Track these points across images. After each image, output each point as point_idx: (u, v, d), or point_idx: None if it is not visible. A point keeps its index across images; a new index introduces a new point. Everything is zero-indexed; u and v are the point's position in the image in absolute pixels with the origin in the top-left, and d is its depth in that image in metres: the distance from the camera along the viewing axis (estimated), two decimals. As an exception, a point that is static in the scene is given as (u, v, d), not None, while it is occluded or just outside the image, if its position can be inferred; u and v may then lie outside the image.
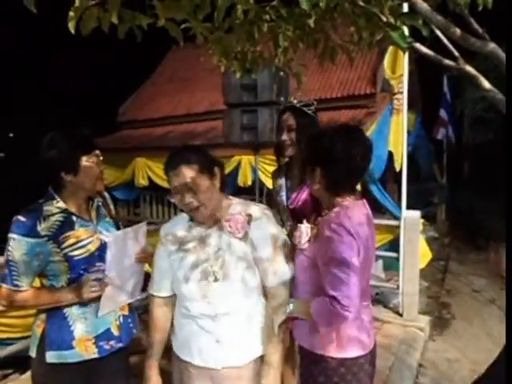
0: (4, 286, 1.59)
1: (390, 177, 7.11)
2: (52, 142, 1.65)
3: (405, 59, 4.08)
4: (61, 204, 1.67)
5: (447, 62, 1.47)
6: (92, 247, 1.69)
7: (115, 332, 1.75)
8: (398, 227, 4.35)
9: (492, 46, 1.40)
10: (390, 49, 4.19)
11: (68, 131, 1.71)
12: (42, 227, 1.58)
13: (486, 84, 1.40)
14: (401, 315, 4.26)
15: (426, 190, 9.10)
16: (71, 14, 1.04)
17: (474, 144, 15.03)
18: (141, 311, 4.81)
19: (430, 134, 9.79)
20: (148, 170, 7.26)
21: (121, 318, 1.80)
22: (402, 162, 4.33)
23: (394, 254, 4.51)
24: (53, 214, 1.63)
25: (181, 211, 1.68)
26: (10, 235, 1.58)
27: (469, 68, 1.46)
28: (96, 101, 12.57)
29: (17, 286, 1.59)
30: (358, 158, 1.51)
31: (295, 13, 1.64)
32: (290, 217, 2.13)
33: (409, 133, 7.35)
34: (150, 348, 1.71)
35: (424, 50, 1.58)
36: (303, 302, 1.57)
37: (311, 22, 1.73)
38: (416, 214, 4.33)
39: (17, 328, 3.12)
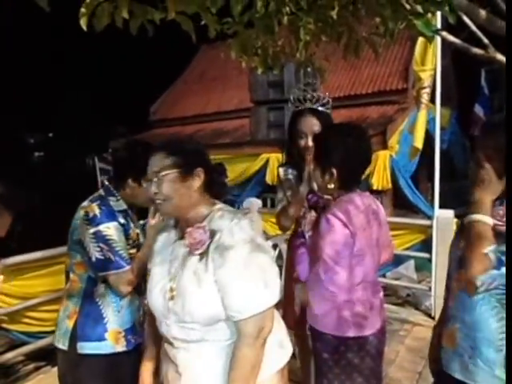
0: (128, 268, 1.63)
1: (424, 175, 6.90)
2: (136, 148, 1.71)
3: (437, 52, 3.90)
4: (121, 202, 1.72)
5: (475, 50, 1.38)
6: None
7: (138, 327, 1.78)
8: (430, 227, 4.19)
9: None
10: (420, 41, 4.00)
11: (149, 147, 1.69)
12: (119, 217, 1.66)
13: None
14: (433, 318, 4.10)
15: (462, 188, 8.77)
16: (83, 10, 1.03)
17: (513, 140, 14.37)
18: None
19: (468, 131, 9.43)
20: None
21: (142, 314, 1.82)
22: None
23: (426, 255, 4.35)
24: (120, 211, 1.69)
25: None
26: (99, 227, 1.60)
27: (500, 56, 1.36)
28: (129, 100, 12.82)
29: (131, 264, 1.66)
30: (368, 155, 1.63)
31: (316, 5, 1.59)
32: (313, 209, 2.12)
33: (443, 129, 7.12)
34: (145, 349, 1.61)
35: (451, 38, 1.49)
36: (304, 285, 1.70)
37: (333, 13, 1.68)
38: (449, 213, 4.16)
39: (48, 322, 3.20)
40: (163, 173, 1.30)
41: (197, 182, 1.34)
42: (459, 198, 8.14)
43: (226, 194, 1.52)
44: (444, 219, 4.08)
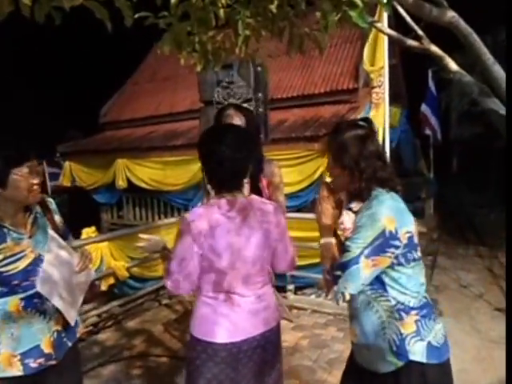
0: None
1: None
2: None
3: (385, 51, 3.96)
4: None
5: (410, 41, 1.35)
6: (25, 262, 1.60)
7: (46, 349, 1.66)
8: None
9: (451, 14, 1.28)
10: (369, 41, 4.06)
11: None
12: None
13: (453, 65, 1.29)
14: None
15: (413, 184, 9.03)
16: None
17: (461, 138, 15.01)
18: (122, 316, 4.75)
19: (418, 130, 9.72)
20: (127, 172, 7.12)
21: (55, 334, 1.70)
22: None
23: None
24: None
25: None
26: None
27: (434, 48, 1.34)
28: (78, 102, 12.33)
29: None
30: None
31: (254, -3, 1.52)
32: None
33: (393, 127, 7.29)
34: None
35: (387, 30, 1.46)
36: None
37: (273, 7, 1.61)
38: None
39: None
40: None
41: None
42: (409, 195, 8.40)
43: None
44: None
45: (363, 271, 1.51)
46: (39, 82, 13.11)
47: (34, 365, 1.62)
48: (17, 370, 1.59)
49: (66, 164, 8.10)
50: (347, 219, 1.61)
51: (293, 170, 5.58)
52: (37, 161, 1.62)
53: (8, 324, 1.59)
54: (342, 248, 1.60)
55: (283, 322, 4.48)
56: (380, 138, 4.45)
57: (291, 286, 5.12)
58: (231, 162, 1.60)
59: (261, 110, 3.90)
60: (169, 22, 1.42)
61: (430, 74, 9.46)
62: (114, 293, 5.28)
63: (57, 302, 1.65)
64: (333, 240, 1.65)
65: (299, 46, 1.87)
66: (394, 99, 4.37)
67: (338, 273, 1.54)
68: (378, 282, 1.56)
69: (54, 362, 1.68)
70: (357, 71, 6.25)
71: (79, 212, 7.96)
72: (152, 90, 9.18)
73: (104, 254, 5.15)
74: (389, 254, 1.51)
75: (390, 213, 1.52)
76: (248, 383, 1.70)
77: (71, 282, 1.72)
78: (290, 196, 5.22)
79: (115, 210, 8.24)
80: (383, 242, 1.50)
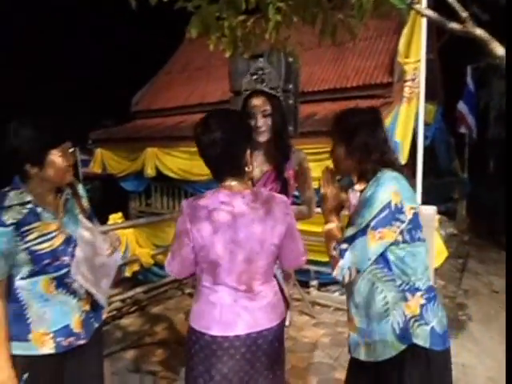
0: None
1: (408, 171, 6.83)
2: (18, 131, 1.56)
3: (422, 43, 3.78)
4: (25, 195, 1.60)
5: (452, 24, 1.26)
6: (56, 242, 1.63)
7: (75, 329, 1.70)
8: (412, 223, 4.10)
9: None
10: (405, 32, 3.90)
11: (36, 120, 1.61)
12: (6, 217, 1.51)
13: (500, 50, 1.19)
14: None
15: (446, 185, 8.75)
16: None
17: (499, 138, 14.43)
18: (146, 303, 4.81)
19: (453, 128, 9.39)
20: (156, 160, 7.17)
21: (84, 314, 1.75)
22: (407, 155, 4.06)
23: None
24: (17, 205, 1.55)
25: None
26: None
27: (479, 31, 1.24)
28: (111, 91, 12.53)
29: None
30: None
31: (286, -20, 1.46)
32: None
33: (428, 125, 7.04)
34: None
35: (427, 12, 1.37)
36: None
37: (306, -9, 1.54)
38: (431, 209, 4.07)
39: None
40: None
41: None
42: (442, 195, 8.14)
43: None
44: (426, 215, 3.98)
45: (370, 244, 1.52)
46: (76, 70, 13.40)
47: (64, 343, 1.66)
48: (49, 349, 1.63)
49: (98, 151, 8.23)
50: (352, 196, 1.67)
51: (321, 164, 5.43)
52: (70, 143, 1.66)
53: (40, 303, 1.62)
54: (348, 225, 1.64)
55: (304, 318, 4.45)
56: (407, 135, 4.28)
57: (314, 282, 5.05)
58: (219, 147, 1.52)
59: (291, 101, 3.82)
60: (197, 4, 1.38)
61: (468, 71, 9.11)
62: (139, 279, 5.37)
63: (81, 280, 1.69)
64: (336, 224, 1.69)
65: (332, 34, 1.80)
66: (429, 95, 4.20)
67: (345, 246, 1.55)
68: (383, 261, 1.56)
69: (82, 342, 1.72)
70: (392, 65, 6.05)
71: (109, 199, 8.12)
72: (184, 80, 9.21)
73: (129, 240, 5.22)
74: (394, 228, 1.52)
75: (395, 186, 1.55)
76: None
77: (94, 263, 1.76)
78: (317, 191, 5.12)
79: (143, 198, 8.34)
80: (389, 215, 1.51)
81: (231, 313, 1.58)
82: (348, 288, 1.72)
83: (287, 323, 2.45)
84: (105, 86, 12.84)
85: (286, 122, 2.28)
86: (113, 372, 3.29)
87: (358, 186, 1.69)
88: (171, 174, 7.13)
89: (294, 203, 2.39)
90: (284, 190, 2.22)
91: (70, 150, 1.67)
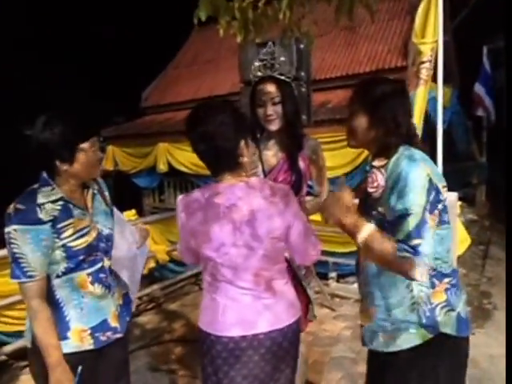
0: (16, 281, 1.51)
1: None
2: (46, 125, 1.52)
3: (439, 22, 3.60)
4: (57, 191, 1.58)
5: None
6: (90, 237, 1.63)
7: (112, 323, 1.71)
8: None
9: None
10: (420, 11, 3.71)
11: (64, 113, 1.57)
12: (42, 214, 1.51)
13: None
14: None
15: (464, 169, 8.52)
16: None
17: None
18: (163, 300, 4.77)
19: (469, 111, 9.14)
20: (168, 155, 7.13)
21: (118, 308, 1.77)
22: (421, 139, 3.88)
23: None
24: (50, 202, 1.54)
25: None
26: (10, 228, 1.49)
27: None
28: (120, 86, 12.50)
29: (31, 276, 1.51)
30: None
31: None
32: None
33: (444, 108, 6.84)
34: None
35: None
36: None
37: (321, -34, 1.43)
38: (453, 195, 3.90)
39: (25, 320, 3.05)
40: None
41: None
42: (460, 180, 7.94)
43: None
44: (448, 202, 3.84)
45: (432, 231, 1.39)
46: (87, 69, 13.40)
47: (103, 338, 1.67)
48: (88, 344, 1.63)
49: (109, 148, 8.22)
50: (380, 177, 1.49)
51: (336, 153, 5.35)
52: (97, 137, 1.64)
53: (77, 299, 1.63)
54: (387, 215, 1.45)
55: (324, 311, 4.36)
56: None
57: (333, 274, 4.96)
58: (208, 142, 1.45)
59: (303, 89, 3.71)
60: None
61: (484, 52, 8.84)
62: (155, 276, 5.34)
63: (125, 275, 1.74)
64: (373, 225, 1.46)
65: (349, 11, 1.69)
66: (444, 78, 4.04)
67: (417, 241, 1.34)
68: None
69: (119, 336, 1.73)
70: (406, 48, 5.87)
71: (122, 196, 8.11)
72: (193, 73, 9.13)
73: (145, 237, 5.19)
74: (437, 211, 1.41)
75: (428, 165, 1.43)
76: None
77: (131, 257, 1.80)
78: (332, 181, 5.02)
79: (157, 193, 8.31)
80: (435, 195, 1.40)
81: (251, 311, 1.51)
82: (363, 277, 1.62)
83: (311, 317, 2.36)
84: (114, 83, 12.81)
85: (298, 110, 2.17)
86: (132, 370, 3.25)
87: (377, 162, 1.53)
88: (183, 169, 7.08)
89: (309, 193, 2.31)
90: (298, 179, 2.13)
91: (100, 144, 1.66)
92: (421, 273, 1.35)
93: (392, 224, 1.41)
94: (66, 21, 13.05)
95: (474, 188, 8.82)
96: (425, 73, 3.88)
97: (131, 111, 10.14)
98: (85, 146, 1.56)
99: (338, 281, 5.00)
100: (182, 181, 7.66)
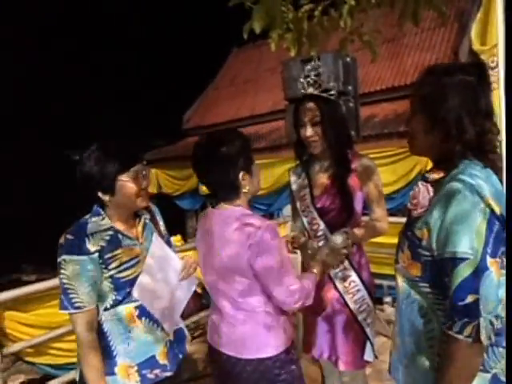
0: (64, 312, 1.48)
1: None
2: (88, 158, 1.52)
3: (499, 25, 3.34)
4: (106, 221, 1.55)
5: None
6: (138, 269, 1.57)
7: (161, 360, 1.62)
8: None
9: None
10: (479, 17, 3.48)
11: (101, 145, 1.55)
12: (90, 244, 1.48)
13: None
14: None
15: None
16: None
17: None
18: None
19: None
20: (210, 177, 7.09)
21: (168, 345, 1.67)
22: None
23: None
24: (99, 232, 1.52)
25: None
26: (60, 258, 1.47)
27: None
28: (161, 110, 12.79)
29: (79, 307, 1.47)
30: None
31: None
32: (319, 216, 1.97)
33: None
34: None
35: None
36: None
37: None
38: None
39: (75, 352, 2.97)
40: None
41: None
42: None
43: None
44: None
45: (497, 279, 1.04)
46: (127, 95, 13.85)
47: (150, 376, 1.59)
48: (134, 382, 1.57)
49: (152, 171, 8.31)
50: (423, 191, 1.20)
51: (385, 169, 5.10)
52: (141, 166, 1.58)
53: (124, 334, 1.57)
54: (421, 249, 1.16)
55: (381, 340, 4.05)
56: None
57: (388, 299, 4.65)
58: (204, 176, 1.55)
59: (351, 104, 3.53)
60: (256, -1, 1.13)
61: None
62: (202, 303, 5.21)
63: (153, 309, 1.61)
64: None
65: (414, 14, 1.50)
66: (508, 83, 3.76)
67: (471, 299, 1.03)
68: (442, 286, 1.12)
69: (169, 374, 1.64)
70: (456, 56, 5.58)
71: (165, 219, 8.13)
72: (233, 94, 9.16)
73: (191, 262, 5.11)
74: (500, 252, 1.05)
75: (491, 189, 1.08)
76: None
77: (171, 290, 1.67)
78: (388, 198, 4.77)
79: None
80: (499, 229, 1.05)
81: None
82: (397, 303, 1.34)
83: (369, 357, 2.10)
84: (155, 105, 13.13)
85: (341, 129, 1.96)
86: (181, 406, 3.10)
87: (433, 175, 1.24)
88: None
89: (364, 214, 2.09)
90: (348, 204, 1.93)
91: (144, 172, 1.60)
92: (486, 336, 1.04)
93: (438, 264, 1.12)
94: (106, 47, 13.59)
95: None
96: (492, 80, 3.61)
97: (172, 134, 10.29)
98: (124, 176, 1.53)
99: (393, 305, 4.68)
100: (225, 202, 7.60)
